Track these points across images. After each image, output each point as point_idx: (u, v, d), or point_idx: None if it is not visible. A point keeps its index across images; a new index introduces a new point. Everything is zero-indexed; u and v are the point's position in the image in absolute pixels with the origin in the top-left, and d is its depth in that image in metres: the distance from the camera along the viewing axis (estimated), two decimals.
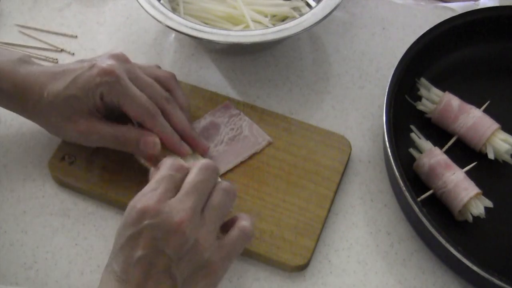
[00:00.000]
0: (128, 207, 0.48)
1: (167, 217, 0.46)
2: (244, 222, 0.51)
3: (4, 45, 0.73)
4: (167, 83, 0.61)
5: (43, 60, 0.72)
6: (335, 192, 0.61)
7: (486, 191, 0.58)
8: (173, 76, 0.62)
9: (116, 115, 0.59)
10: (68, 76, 0.57)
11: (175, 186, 0.49)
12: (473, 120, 0.62)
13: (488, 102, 0.64)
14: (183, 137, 0.60)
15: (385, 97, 0.62)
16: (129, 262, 0.46)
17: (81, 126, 0.57)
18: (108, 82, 0.56)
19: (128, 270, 0.46)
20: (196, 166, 0.51)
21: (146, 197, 0.48)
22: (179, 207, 0.47)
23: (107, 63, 0.57)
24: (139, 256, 0.46)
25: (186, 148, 0.59)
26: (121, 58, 0.59)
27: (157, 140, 0.57)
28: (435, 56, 0.69)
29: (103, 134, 0.58)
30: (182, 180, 0.50)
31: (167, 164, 0.51)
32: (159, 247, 0.46)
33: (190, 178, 0.49)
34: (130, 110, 0.57)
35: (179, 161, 0.52)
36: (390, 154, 0.58)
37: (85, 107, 0.57)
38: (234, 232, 0.50)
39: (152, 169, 0.53)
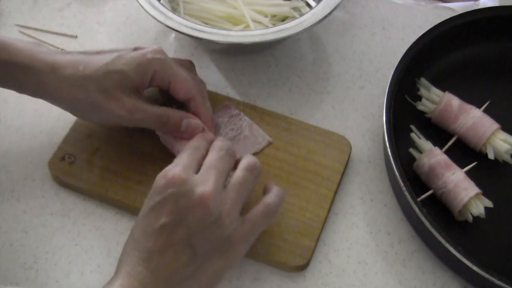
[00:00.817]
0: (156, 178, 0.49)
1: (192, 188, 0.48)
2: (269, 199, 0.52)
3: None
4: (190, 71, 0.62)
5: None
6: (335, 192, 0.61)
7: (486, 191, 0.58)
8: (192, 64, 0.63)
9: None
10: (107, 55, 0.56)
11: (200, 163, 0.51)
12: (473, 120, 0.62)
13: (488, 102, 0.64)
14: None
15: (385, 97, 0.62)
16: (151, 230, 0.47)
17: (127, 104, 0.55)
18: (161, 60, 0.56)
19: (150, 238, 0.47)
20: (213, 146, 0.53)
21: (172, 169, 0.49)
22: (203, 180, 0.49)
23: (152, 47, 0.57)
24: (161, 224, 0.47)
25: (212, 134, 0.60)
26: (161, 50, 0.58)
27: (200, 122, 0.58)
28: (435, 56, 0.69)
29: (148, 113, 0.56)
30: (204, 157, 0.52)
31: (193, 142, 0.54)
32: (182, 216, 0.47)
33: (209, 156, 0.52)
34: (181, 88, 0.57)
35: (200, 141, 0.54)
36: (390, 154, 0.58)
37: (130, 84, 0.55)
38: (258, 209, 0.51)
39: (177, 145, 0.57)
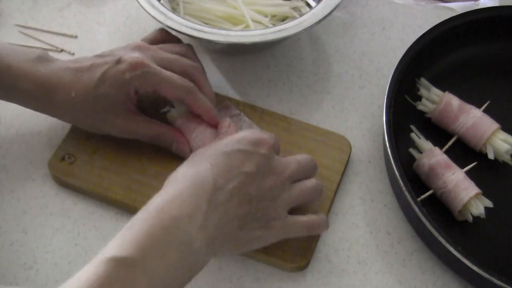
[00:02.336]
0: (240, 133, 0.53)
1: (274, 161, 0.52)
2: (317, 218, 0.54)
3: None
4: (187, 56, 0.62)
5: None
6: (335, 192, 0.61)
7: (486, 191, 0.58)
8: (190, 47, 0.63)
9: (148, 102, 0.61)
10: (94, 73, 0.57)
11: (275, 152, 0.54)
12: (473, 120, 0.62)
13: (488, 102, 0.64)
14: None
15: (385, 97, 0.62)
16: (231, 170, 0.50)
17: (116, 125, 0.58)
18: (139, 76, 0.57)
19: (227, 175, 0.49)
20: (305, 154, 0.56)
21: (263, 134, 0.53)
22: (283, 165, 0.53)
23: (132, 56, 0.57)
24: (245, 171, 0.50)
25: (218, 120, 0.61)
26: (144, 47, 0.59)
27: (188, 149, 0.60)
28: (435, 56, 0.69)
29: (140, 134, 0.59)
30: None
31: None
32: (260, 176, 0.51)
33: (298, 156, 0.55)
34: (168, 93, 0.58)
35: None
36: (390, 154, 0.58)
37: (118, 103, 0.57)
38: (302, 218, 0.54)
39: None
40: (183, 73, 0.59)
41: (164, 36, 0.64)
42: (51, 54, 0.72)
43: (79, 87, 0.57)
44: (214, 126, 0.60)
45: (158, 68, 0.58)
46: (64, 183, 0.62)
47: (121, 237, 0.45)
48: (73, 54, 0.73)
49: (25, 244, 0.59)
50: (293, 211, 0.54)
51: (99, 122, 0.59)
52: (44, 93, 0.57)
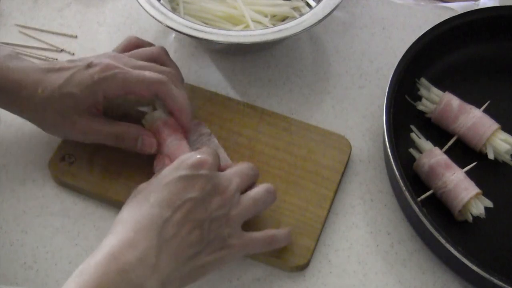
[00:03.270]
0: (180, 158, 0.52)
1: (217, 178, 0.51)
2: (275, 231, 0.54)
3: (4, 45, 0.73)
4: (160, 60, 0.61)
5: (43, 60, 0.72)
6: (335, 192, 0.61)
7: (486, 191, 0.58)
8: (163, 50, 0.62)
9: (118, 114, 0.60)
10: (63, 73, 0.57)
11: (217, 167, 0.53)
12: (473, 120, 0.62)
13: (488, 102, 0.64)
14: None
15: (385, 97, 0.62)
16: (176, 199, 0.48)
17: (79, 125, 0.57)
18: (107, 77, 0.56)
19: (171, 205, 0.48)
20: (242, 162, 0.56)
21: (203, 154, 0.52)
22: (227, 179, 0.52)
23: (103, 61, 0.57)
24: (189, 197, 0.49)
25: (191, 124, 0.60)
26: (116, 56, 0.59)
27: (155, 141, 0.58)
28: (435, 56, 0.69)
29: (103, 133, 0.58)
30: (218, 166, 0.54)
31: (208, 148, 0.55)
32: (206, 198, 0.49)
33: (237, 166, 0.55)
34: (138, 89, 0.57)
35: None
36: (390, 154, 0.58)
37: (83, 105, 0.57)
38: (258, 234, 0.53)
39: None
40: (152, 60, 0.60)
41: (136, 42, 0.63)
42: (51, 54, 0.72)
43: (46, 85, 0.56)
44: (186, 128, 0.59)
45: (127, 68, 0.57)
46: (64, 183, 0.62)
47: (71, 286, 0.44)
48: (73, 54, 0.73)
49: (25, 244, 0.59)
50: (256, 224, 0.54)
51: (62, 122, 0.57)
52: (12, 88, 0.57)
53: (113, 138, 0.59)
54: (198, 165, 0.50)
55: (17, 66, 0.58)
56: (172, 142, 0.58)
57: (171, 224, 0.48)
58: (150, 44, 0.64)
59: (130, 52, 0.61)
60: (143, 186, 0.51)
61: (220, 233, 0.50)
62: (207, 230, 0.49)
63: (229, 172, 0.53)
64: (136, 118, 0.61)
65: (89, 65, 0.57)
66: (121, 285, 0.44)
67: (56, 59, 0.72)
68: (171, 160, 0.55)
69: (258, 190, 0.54)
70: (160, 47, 0.63)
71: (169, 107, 0.59)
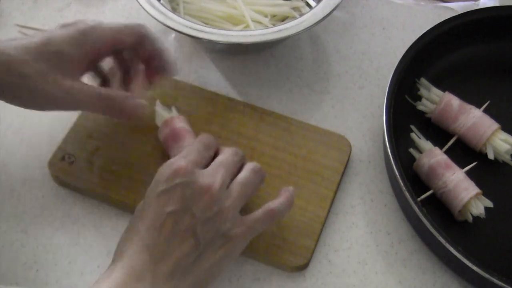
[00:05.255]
0: (160, 169, 0.51)
1: (198, 179, 0.49)
2: (272, 205, 0.53)
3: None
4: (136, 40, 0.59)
5: None
6: (335, 192, 0.61)
7: (486, 191, 0.58)
8: (139, 28, 0.59)
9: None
10: (45, 33, 0.55)
11: (203, 161, 0.52)
12: (473, 120, 0.62)
13: (488, 102, 0.64)
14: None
15: (385, 97, 0.62)
16: (157, 218, 0.48)
17: (66, 85, 0.54)
18: (95, 27, 0.56)
19: (155, 226, 0.47)
20: (225, 149, 0.54)
21: (178, 160, 0.50)
22: (210, 174, 0.50)
23: (76, 21, 0.56)
24: (168, 212, 0.48)
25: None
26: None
27: (144, 102, 0.58)
28: (435, 56, 0.69)
29: (90, 93, 0.55)
30: (211, 158, 0.53)
31: (198, 139, 0.55)
32: (189, 205, 0.48)
33: (220, 157, 0.53)
34: (124, 34, 0.57)
35: (210, 139, 0.55)
36: (390, 154, 0.58)
37: (67, 63, 0.54)
38: (258, 213, 0.52)
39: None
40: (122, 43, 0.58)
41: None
42: None
43: (31, 46, 0.53)
44: (171, 65, 0.60)
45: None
46: (64, 183, 0.62)
47: None
48: None
49: (25, 244, 0.59)
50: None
51: (46, 86, 0.53)
52: None
53: (99, 101, 0.56)
54: (173, 175, 0.49)
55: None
56: (182, 146, 0.58)
57: (159, 244, 0.47)
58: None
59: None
60: (138, 207, 0.51)
61: (219, 230, 0.49)
62: (202, 233, 0.48)
63: (212, 166, 0.52)
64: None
65: (64, 25, 0.56)
66: None
67: None
68: None
69: (245, 174, 0.53)
70: (136, 25, 0.59)
71: (152, 49, 0.58)
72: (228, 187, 0.51)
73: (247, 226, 0.51)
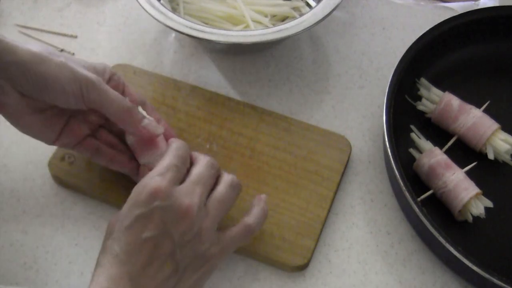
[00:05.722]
0: (136, 188, 0.48)
1: (176, 200, 0.47)
2: (249, 220, 0.52)
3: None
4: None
5: None
6: (335, 192, 0.61)
7: (486, 191, 0.58)
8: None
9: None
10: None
11: (180, 177, 0.50)
12: (473, 120, 0.62)
13: (488, 102, 0.64)
14: None
15: (385, 97, 0.62)
16: (135, 242, 0.46)
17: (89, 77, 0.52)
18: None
19: (133, 251, 0.46)
20: (201, 160, 0.52)
21: (156, 180, 0.47)
22: (188, 193, 0.48)
23: None
24: (147, 237, 0.46)
25: None
26: None
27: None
28: (435, 56, 0.69)
29: (112, 98, 0.53)
30: (186, 171, 0.51)
31: (174, 152, 0.51)
32: (168, 230, 0.46)
33: (196, 169, 0.50)
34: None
35: (186, 151, 0.52)
36: (390, 154, 0.58)
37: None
38: (235, 229, 0.51)
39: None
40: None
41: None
42: None
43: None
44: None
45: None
46: (64, 183, 0.62)
47: None
48: (73, 54, 0.73)
49: (25, 244, 0.59)
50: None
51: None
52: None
53: (120, 109, 0.53)
54: (151, 198, 0.46)
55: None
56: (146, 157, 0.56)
57: (140, 268, 0.45)
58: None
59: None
60: (112, 221, 0.48)
61: (197, 252, 0.48)
62: (181, 257, 0.47)
63: (189, 182, 0.49)
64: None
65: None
66: None
67: None
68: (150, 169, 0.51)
69: (222, 189, 0.51)
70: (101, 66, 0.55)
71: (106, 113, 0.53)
72: (205, 203, 0.49)
73: (225, 245, 0.50)
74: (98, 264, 0.47)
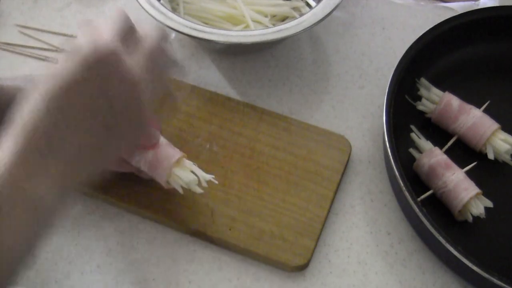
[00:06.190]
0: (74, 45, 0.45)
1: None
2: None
3: (4, 45, 0.73)
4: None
5: (43, 60, 0.72)
6: (335, 192, 0.61)
7: (486, 191, 0.58)
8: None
9: None
10: None
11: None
12: (473, 120, 0.62)
13: (488, 102, 0.64)
14: None
15: (385, 97, 0.62)
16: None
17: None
18: None
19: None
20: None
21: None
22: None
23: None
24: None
25: None
26: None
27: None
28: (435, 56, 0.69)
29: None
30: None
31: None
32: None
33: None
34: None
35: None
36: (390, 154, 0.58)
37: None
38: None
39: None
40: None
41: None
42: (51, 54, 0.72)
43: None
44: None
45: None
46: None
47: None
48: None
49: None
50: None
51: None
52: None
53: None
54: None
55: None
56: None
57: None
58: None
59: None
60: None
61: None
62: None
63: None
64: None
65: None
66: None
67: (56, 59, 0.72)
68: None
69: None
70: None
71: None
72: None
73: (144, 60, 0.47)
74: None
